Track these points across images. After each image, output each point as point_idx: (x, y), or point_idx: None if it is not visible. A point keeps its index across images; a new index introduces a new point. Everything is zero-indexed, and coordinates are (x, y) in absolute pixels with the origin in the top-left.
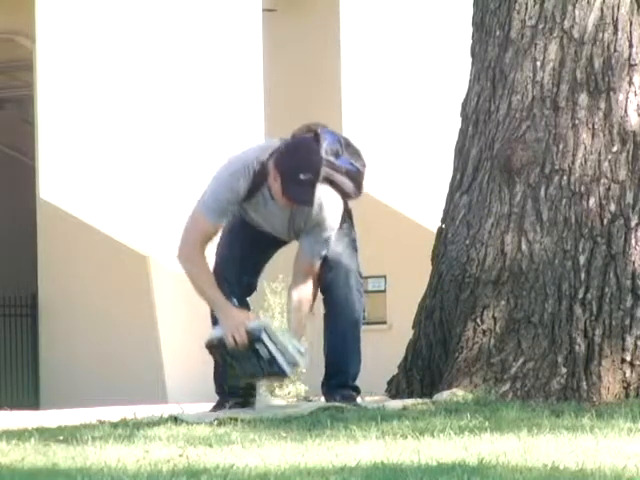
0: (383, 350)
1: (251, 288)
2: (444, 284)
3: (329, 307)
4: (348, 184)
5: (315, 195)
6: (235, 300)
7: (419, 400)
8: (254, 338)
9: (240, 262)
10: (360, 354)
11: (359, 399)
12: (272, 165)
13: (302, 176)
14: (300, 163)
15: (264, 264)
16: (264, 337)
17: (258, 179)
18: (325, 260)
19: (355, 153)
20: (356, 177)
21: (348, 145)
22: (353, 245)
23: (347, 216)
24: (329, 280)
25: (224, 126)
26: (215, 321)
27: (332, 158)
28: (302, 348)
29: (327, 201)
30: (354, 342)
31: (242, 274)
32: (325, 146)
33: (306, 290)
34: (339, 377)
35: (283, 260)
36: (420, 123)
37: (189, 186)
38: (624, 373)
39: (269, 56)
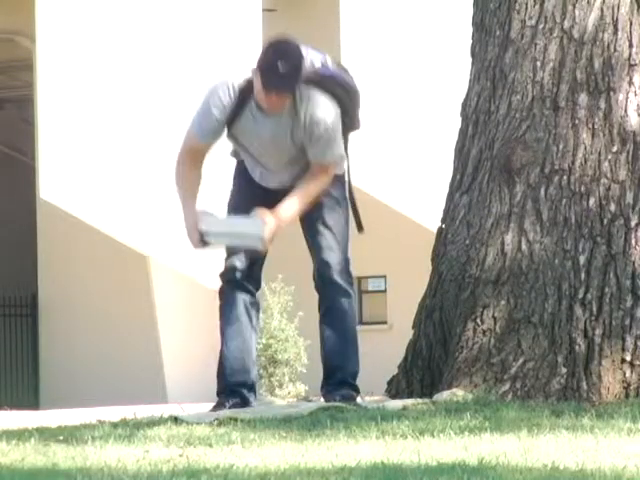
0: (383, 350)
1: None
2: (444, 284)
3: (325, 308)
4: (343, 96)
5: (298, 83)
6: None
7: (419, 400)
8: (206, 240)
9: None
10: (358, 353)
11: (359, 399)
12: (253, 70)
13: (281, 66)
14: (278, 54)
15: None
16: (211, 239)
17: (244, 95)
18: (317, 257)
19: (346, 71)
20: (350, 92)
21: (337, 64)
22: (345, 231)
23: (341, 180)
24: (323, 280)
25: None
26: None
27: (319, 65)
28: (258, 226)
29: (318, 102)
30: (353, 340)
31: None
32: (309, 52)
33: (313, 181)
34: (339, 375)
35: (283, 260)
36: (420, 123)
37: None
38: (624, 373)
39: None
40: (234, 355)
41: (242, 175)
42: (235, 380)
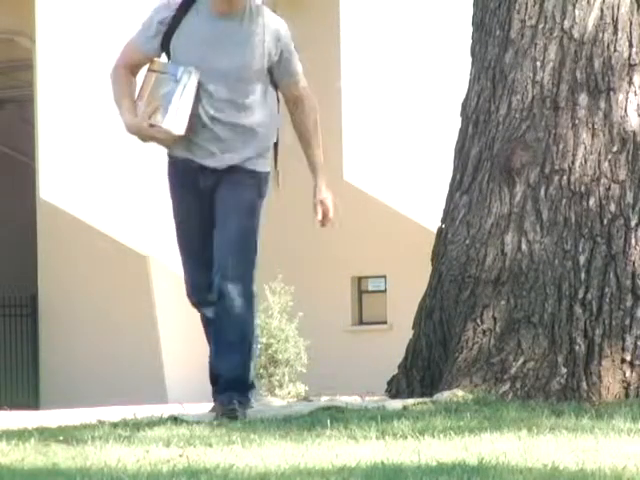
0: (383, 350)
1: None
2: (444, 284)
3: (219, 314)
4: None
5: None
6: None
7: (419, 400)
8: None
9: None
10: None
11: (357, 398)
12: None
13: None
14: None
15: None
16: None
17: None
18: (218, 249)
19: None
20: None
21: None
22: (255, 225)
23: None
24: (221, 286)
25: None
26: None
27: None
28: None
29: (275, 16)
30: (248, 349)
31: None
32: None
33: (305, 116)
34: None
35: (283, 260)
36: (420, 123)
37: None
38: (624, 373)
39: None
40: None
41: (177, 182)
42: None
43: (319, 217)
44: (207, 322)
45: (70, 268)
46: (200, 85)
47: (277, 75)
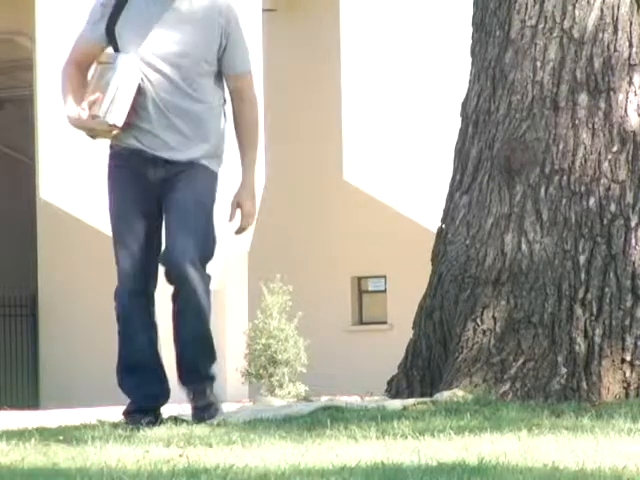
0: (383, 350)
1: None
2: (444, 284)
3: (179, 308)
4: None
5: None
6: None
7: (419, 400)
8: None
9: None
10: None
11: (357, 398)
12: None
13: None
14: None
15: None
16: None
17: None
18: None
19: None
20: None
21: None
22: (211, 217)
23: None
24: (183, 268)
25: None
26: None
27: None
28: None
29: None
30: (207, 339)
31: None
32: None
33: (247, 111)
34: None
35: (281, 260)
36: (420, 123)
37: None
38: (624, 373)
39: (269, 56)
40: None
41: (123, 172)
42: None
43: (230, 220)
44: (125, 316)
45: (70, 268)
46: (149, 70)
47: (224, 62)
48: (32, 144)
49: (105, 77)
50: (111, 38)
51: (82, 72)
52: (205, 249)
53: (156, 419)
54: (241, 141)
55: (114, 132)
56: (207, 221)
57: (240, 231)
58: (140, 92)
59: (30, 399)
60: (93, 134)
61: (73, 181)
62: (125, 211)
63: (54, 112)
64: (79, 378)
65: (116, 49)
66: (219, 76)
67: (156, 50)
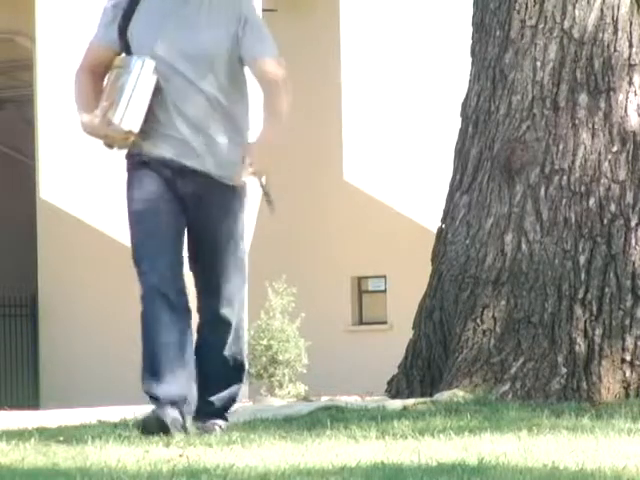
0: (383, 350)
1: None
2: (444, 284)
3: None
4: None
5: None
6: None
7: (419, 400)
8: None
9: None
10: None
11: (358, 398)
12: None
13: None
14: None
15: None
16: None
17: None
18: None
19: None
20: None
21: None
22: (242, 265)
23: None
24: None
25: None
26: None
27: None
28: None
29: None
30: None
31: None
32: None
33: (274, 96)
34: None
35: (281, 259)
36: (420, 123)
37: None
38: (624, 373)
39: None
40: None
41: (141, 179)
42: None
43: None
44: (156, 317)
45: (70, 268)
46: (166, 71)
47: (243, 50)
48: (32, 144)
49: (119, 81)
50: (124, 41)
51: (96, 78)
52: (239, 289)
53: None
54: (265, 115)
55: (131, 139)
56: (240, 258)
57: (248, 174)
58: (158, 95)
59: (30, 399)
60: (109, 142)
61: (73, 181)
62: (148, 209)
63: (54, 112)
64: (79, 378)
65: (130, 52)
66: (242, 69)
67: (172, 49)
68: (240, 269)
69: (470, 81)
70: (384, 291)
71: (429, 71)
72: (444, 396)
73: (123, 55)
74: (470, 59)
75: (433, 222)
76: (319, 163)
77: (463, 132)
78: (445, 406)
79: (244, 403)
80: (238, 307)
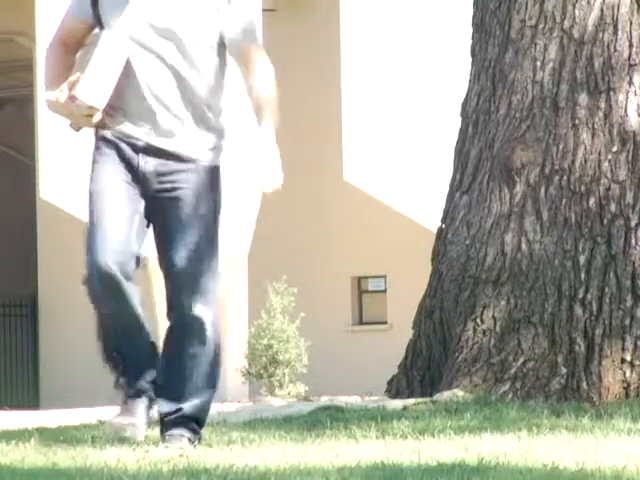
0: (383, 350)
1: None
2: (444, 284)
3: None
4: None
5: None
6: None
7: (419, 400)
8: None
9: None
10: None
11: (357, 398)
12: None
13: None
14: None
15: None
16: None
17: None
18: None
19: None
20: None
21: None
22: (214, 238)
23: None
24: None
25: None
26: None
27: None
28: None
29: None
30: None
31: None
32: None
33: (258, 81)
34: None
35: (281, 259)
36: (420, 123)
37: None
38: (624, 373)
39: (269, 56)
40: None
41: (103, 159)
42: None
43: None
44: (108, 317)
45: (70, 268)
46: (137, 47)
47: (225, 30)
48: (32, 144)
49: (87, 56)
50: (97, 14)
51: (68, 53)
52: (211, 281)
53: None
54: (257, 114)
55: (95, 117)
56: (213, 244)
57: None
58: (127, 72)
59: (30, 399)
60: (75, 121)
61: (73, 181)
62: (103, 191)
63: None
64: (79, 378)
65: (102, 26)
66: (220, 49)
67: (142, 24)
68: (213, 253)
69: (470, 81)
70: (384, 291)
71: (429, 71)
72: (444, 396)
73: (96, 31)
74: (470, 59)
75: (433, 222)
76: (319, 163)
77: (463, 132)
78: (445, 406)
79: (244, 403)
80: (212, 301)
